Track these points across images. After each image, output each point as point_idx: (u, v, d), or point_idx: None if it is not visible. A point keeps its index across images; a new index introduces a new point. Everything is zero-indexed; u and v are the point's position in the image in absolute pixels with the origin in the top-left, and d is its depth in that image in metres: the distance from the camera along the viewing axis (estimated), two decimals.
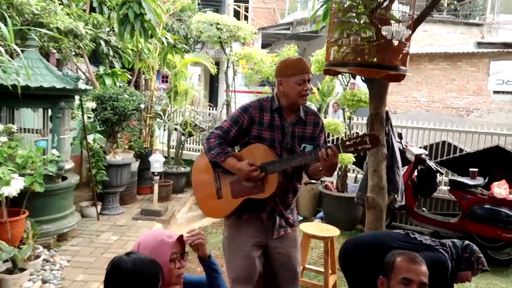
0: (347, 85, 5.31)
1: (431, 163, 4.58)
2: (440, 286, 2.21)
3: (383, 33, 2.93)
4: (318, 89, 6.04)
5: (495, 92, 10.16)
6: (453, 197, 4.67)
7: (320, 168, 2.07)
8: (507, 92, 10.02)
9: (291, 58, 2.28)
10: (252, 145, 2.21)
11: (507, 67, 9.91)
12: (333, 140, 5.58)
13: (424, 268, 1.81)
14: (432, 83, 10.70)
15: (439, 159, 5.18)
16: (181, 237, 1.66)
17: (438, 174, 4.63)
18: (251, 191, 2.16)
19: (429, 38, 10.91)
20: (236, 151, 2.45)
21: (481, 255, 2.37)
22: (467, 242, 2.40)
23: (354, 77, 3.98)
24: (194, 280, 1.86)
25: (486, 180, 4.50)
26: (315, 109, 2.40)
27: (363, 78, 3.81)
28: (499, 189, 4.27)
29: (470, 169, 4.54)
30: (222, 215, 2.33)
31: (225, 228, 2.39)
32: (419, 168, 4.63)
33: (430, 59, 10.58)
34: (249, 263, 2.26)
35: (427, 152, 4.72)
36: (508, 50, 9.87)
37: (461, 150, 5.13)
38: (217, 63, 7.76)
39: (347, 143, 2.00)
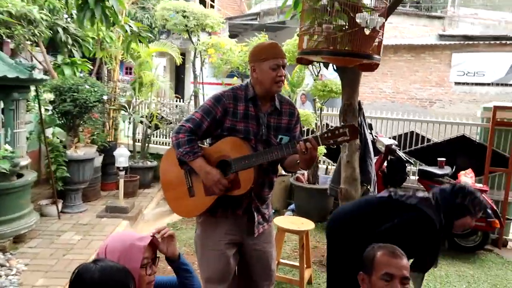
0: (317, 76, 5.26)
1: (401, 154, 4.62)
2: (429, 244, 2.15)
3: (358, 20, 2.86)
4: (287, 80, 5.96)
5: (456, 83, 10.50)
6: (422, 186, 4.74)
7: (298, 161, 1.97)
8: (468, 84, 10.39)
9: (264, 43, 2.15)
10: (225, 139, 2.07)
11: (467, 59, 10.25)
12: (303, 131, 5.53)
13: (405, 261, 1.76)
14: (396, 74, 10.92)
15: (407, 149, 5.24)
16: (153, 240, 1.52)
17: (407, 164, 4.67)
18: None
19: (393, 30, 11.09)
20: (205, 143, 2.31)
21: (477, 195, 2.17)
22: (458, 185, 2.23)
23: (326, 67, 3.91)
24: (164, 281, 1.72)
25: (453, 169, 4.59)
26: (288, 98, 2.29)
27: (335, 67, 3.75)
28: (466, 177, 4.36)
29: (438, 159, 4.62)
30: (195, 214, 2.18)
31: (197, 226, 2.26)
32: (389, 158, 4.66)
33: (395, 51, 10.78)
34: (223, 262, 2.15)
35: (396, 143, 4.75)
36: (468, 43, 10.21)
37: (428, 140, 5.21)
38: (183, 54, 7.52)
39: (326, 135, 1.89)
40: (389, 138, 5.04)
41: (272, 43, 2.11)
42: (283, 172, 4.61)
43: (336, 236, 2.41)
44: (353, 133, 1.89)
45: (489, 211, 4.16)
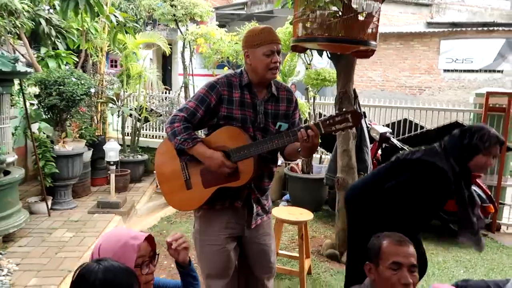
0: (310, 64, 5.20)
1: (395, 141, 4.60)
2: (446, 194, 2.10)
3: (354, 6, 2.80)
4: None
5: (445, 70, 10.55)
6: None
7: (299, 150, 1.90)
8: (456, 70, 10.44)
9: (258, 27, 2.03)
10: (222, 128, 1.99)
11: (456, 46, 10.30)
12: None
13: (412, 249, 1.72)
14: (386, 62, 10.92)
15: (401, 136, 5.23)
16: (149, 237, 1.45)
17: (401, 152, 4.65)
18: (224, 179, 1.96)
19: (382, 18, 11.04)
20: (199, 133, 2.22)
21: (485, 130, 2.04)
22: (466, 126, 2.12)
23: (320, 55, 3.84)
24: (168, 284, 1.68)
25: None
26: (285, 84, 2.21)
27: (329, 55, 3.69)
28: None
29: None
30: (193, 207, 2.10)
31: (195, 220, 2.19)
32: (383, 146, 4.64)
33: (384, 39, 10.75)
34: (224, 256, 2.09)
35: (391, 130, 4.73)
36: (456, 30, 10.23)
37: (421, 127, 5.21)
38: (169, 45, 7.37)
39: (328, 121, 1.81)
40: (383, 126, 5.02)
41: (266, 28, 2.00)
42: (278, 163, 4.56)
43: (354, 207, 2.39)
44: (355, 119, 1.83)
45: (484, 196, 4.18)
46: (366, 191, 2.31)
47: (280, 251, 3.41)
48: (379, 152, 4.73)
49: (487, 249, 4.08)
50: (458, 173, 2.06)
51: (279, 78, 5.93)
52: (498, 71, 10.16)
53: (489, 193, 4.30)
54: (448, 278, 3.39)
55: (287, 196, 5.30)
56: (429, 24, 11.04)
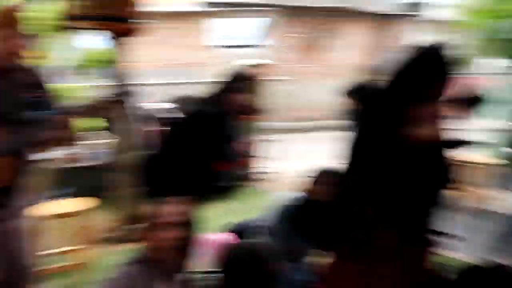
0: (75, 45, 4.88)
1: (172, 115, 4.75)
2: (218, 134, 2.41)
3: None
4: (37, 52, 5.22)
5: (219, 47, 11.63)
6: None
7: (56, 138, 1.86)
8: (230, 46, 11.67)
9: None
10: None
11: (230, 24, 11.56)
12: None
13: (175, 207, 1.85)
14: (162, 42, 11.09)
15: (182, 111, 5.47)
16: None
17: None
18: None
19: None
20: None
21: (236, 73, 2.58)
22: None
23: (93, 33, 3.73)
24: None
25: None
26: (37, 69, 2.04)
27: (113, 35, 3.56)
28: None
29: None
30: None
31: None
32: (168, 121, 4.75)
33: (160, 17, 10.85)
34: None
35: (172, 106, 4.85)
36: (231, 9, 11.34)
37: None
38: None
39: (85, 107, 1.89)
40: (163, 102, 5.13)
41: (6, 9, 1.82)
42: (47, 156, 4.15)
43: (153, 181, 2.47)
44: (116, 103, 1.92)
45: (237, 151, 4.80)
46: (159, 161, 2.43)
47: (60, 249, 3.14)
48: (164, 128, 4.82)
49: (249, 196, 4.80)
50: (225, 115, 2.38)
51: (39, 61, 5.30)
52: (263, 46, 11.83)
53: (247, 149, 5.01)
54: (220, 227, 3.57)
55: (65, 190, 4.86)
56: (204, 4, 11.78)
